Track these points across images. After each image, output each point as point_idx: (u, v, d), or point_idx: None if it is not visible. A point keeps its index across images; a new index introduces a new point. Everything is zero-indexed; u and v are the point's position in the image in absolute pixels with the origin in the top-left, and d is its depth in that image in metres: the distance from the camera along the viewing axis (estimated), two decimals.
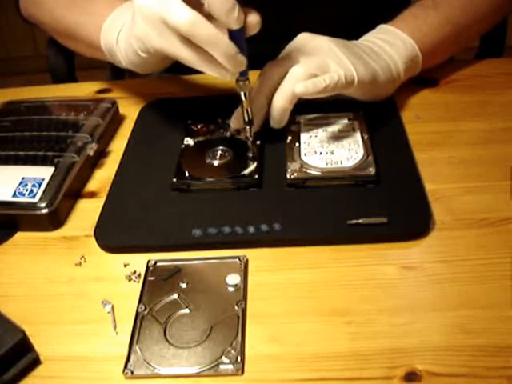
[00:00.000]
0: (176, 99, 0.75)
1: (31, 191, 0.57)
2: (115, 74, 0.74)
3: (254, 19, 0.53)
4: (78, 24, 0.72)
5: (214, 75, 0.54)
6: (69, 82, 0.94)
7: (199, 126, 0.66)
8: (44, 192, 0.57)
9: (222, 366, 0.43)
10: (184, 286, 0.49)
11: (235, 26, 0.52)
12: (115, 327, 0.47)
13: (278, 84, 0.60)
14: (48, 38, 0.91)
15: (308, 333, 0.45)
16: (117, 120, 0.71)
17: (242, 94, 0.58)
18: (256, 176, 0.58)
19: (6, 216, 0.57)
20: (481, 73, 0.74)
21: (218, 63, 0.53)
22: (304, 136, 0.62)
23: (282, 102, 0.60)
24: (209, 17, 0.52)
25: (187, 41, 0.53)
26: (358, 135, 0.61)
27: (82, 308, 0.49)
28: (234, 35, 0.53)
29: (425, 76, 0.70)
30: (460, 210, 0.54)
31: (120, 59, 0.66)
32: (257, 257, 0.51)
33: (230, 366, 0.43)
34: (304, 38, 0.63)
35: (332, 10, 0.81)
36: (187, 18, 0.51)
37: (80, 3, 0.73)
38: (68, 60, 0.95)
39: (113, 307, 0.49)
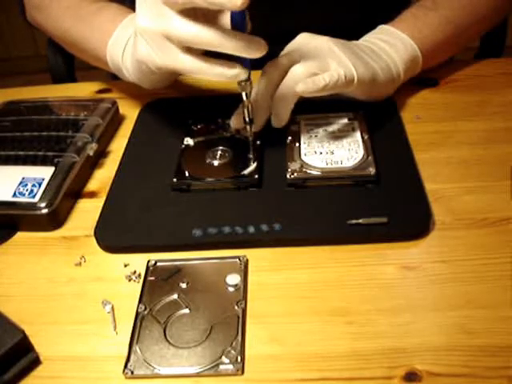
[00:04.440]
0: (176, 99, 0.75)
1: (31, 191, 0.57)
2: (115, 74, 0.74)
3: None
4: (84, 38, 0.73)
5: (225, 78, 0.53)
6: (69, 82, 0.94)
7: (199, 126, 0.66)
8: (44, 192, 0.57)
9: (222, 366, 0.43)
10: (184, 286, 0.49)
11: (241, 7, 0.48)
12: (115, 327, 0.47)
13: (279, 84, 0.60)
14: (48, 38, 0.91)
15: (308, 333, 0.45)
16: (117, 120, 0.71)
17: (244, 93, 0.58)
18: (256, 176, 0.58)
19: (6, 216, 0.57)
20: (481, 73, 0.74)
21: (225, 64, 0.53)
22: (304, 136, 0.62)
23: (282, 101, 0.60)
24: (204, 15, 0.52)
25: (189, 50, 0.53)
26: (357, 135, 0.61)
27: (81, 308, 0.49)
28: (234, 17, 0.52)
29: (425, 76, 0.70)
30: (460, 210, 0.54)
31: (127, 76, 0.67)
32: (257, 257, 0.51)
33: (230, 366, 0.43)
34: (304, 38, 0.63)
35: (332, 11, 0.81)
36: (189, 29, 0.51)
37: (85, 16, 0.73)
38: (68, 60, 0.95)
39: (113, 307, 0.48)
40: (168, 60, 0.55)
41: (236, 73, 0.53)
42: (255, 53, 0.51)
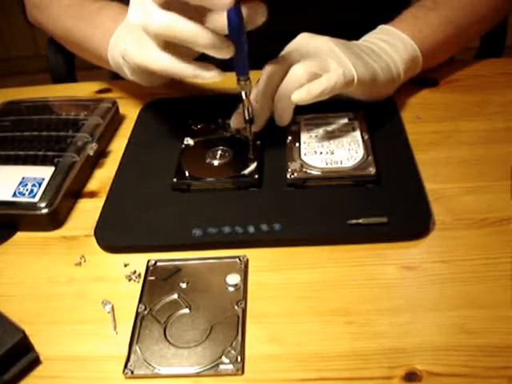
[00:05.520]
0: (176, 99, 0.74)
1: (31, 191, 0.57)
2: (115, 73, 0.74)
3: (259, 8, 0.53)
4: (85, 37, 0.73)
5: (199, 79, 0.54)
6: (69, 82, 0.94)
7: (199, 126, 0.66)
8: (44, 192, 0.57)
9: (222, 366, 0.43)
10: (184, 285, 0.49)
11: (226, 6, 0.49)
12: (115, 327, 0.47)
13: (279, 84, 0.60)
14: (48, 38, 0.91)
15: (308, 333, 0.45)
16: (117, 120, 0.71)
17: (243, 93, 0.58)
18: (256, 176, 0.58)
19: (6, 216, 0.57)
20: (481, 73, 0.74)
21: (201, 65, 0.53)
22: (304, 136, 0.62)
23: (284, 101, 0.60)
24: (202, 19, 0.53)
25: (168, 51, 0.53)
26: (358, 135, 0.61)
27: (81, 308, 0.49)
28: (231, 21, 0.52)
29: (425, 76, 0.70)
30: (460, 210, 0.54)
31: (128, 75, 0.67)
32: (257, 257, 0.51)
33: (230, 366, 0.43)
34: (304, 38, 0.63)
35: (332, 11, 0.81)
36: (163, 19, 0.51)
37: (86, 15, 0.73)
38: (68, 60, 0.95)
39: (113, 307, 0.48)
40: (144, 57, 0.55)
41: (212, 75, 0.54)
42: (224, 54, 0.52)
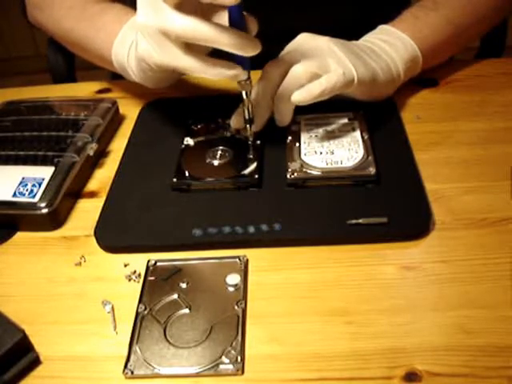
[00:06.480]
0: (176, 99, 0.75)
1: (31, 191, 0.57)
2: (115, 73, 0.74)
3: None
4: (88, 38, 0.73)
5: (223, 77, 0.54)
6: (69, 82, 0.94)
7: (199, 126, 0.66)
8: (44, 192, 0.57)
9: (222, 366, 0.43)
10: (184, 286, 0.49)
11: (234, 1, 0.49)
12: (115, 327, 0.47)
13: (279, 84, 0.60)
14: (48, 38, 0.91)
15: (308, 333, 0.45)
16: (117, 120, 0.71)
17: (244, 93, 0.58)
18: (256, 176, 0.58)
19: (6, 216, 0.57)
20: (481, 73, 0.74)
21: (224, 64, 0.53)
22: (304, 136, 0.62)
23: (284, 101, 0.60)
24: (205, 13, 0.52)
25: (190, 49, 0.53)
26: (358, 135, 0.61)
27: (81, 308, 0.49)
28: (233, 16, 0.52)
29: (425, 76, 0.70)
30: (460, 210, 0.54)
31: (132, 76, 0.67)
32: (257, 257, 0.51)
33: (230, 366, 0.43)
34: (304, 38, 0.63)
35: (332, 11, 0.81)
36: (185, 23, 0.51)
37: (89, 16, 0.73)
38: (68, 60, 0.95)
39: (113, 307, 0.49)
40: (167, 58, 0.55)
41: (235, 73, 0.54)
42: (250, 51, 0.52)
